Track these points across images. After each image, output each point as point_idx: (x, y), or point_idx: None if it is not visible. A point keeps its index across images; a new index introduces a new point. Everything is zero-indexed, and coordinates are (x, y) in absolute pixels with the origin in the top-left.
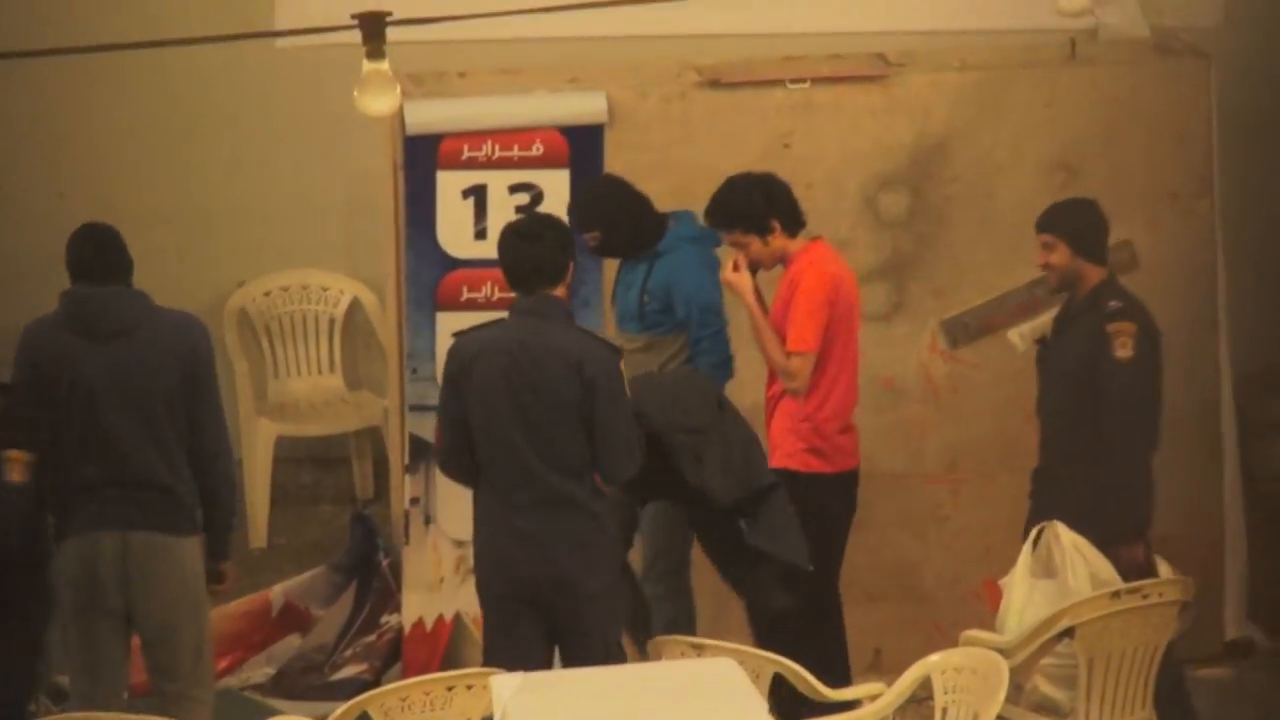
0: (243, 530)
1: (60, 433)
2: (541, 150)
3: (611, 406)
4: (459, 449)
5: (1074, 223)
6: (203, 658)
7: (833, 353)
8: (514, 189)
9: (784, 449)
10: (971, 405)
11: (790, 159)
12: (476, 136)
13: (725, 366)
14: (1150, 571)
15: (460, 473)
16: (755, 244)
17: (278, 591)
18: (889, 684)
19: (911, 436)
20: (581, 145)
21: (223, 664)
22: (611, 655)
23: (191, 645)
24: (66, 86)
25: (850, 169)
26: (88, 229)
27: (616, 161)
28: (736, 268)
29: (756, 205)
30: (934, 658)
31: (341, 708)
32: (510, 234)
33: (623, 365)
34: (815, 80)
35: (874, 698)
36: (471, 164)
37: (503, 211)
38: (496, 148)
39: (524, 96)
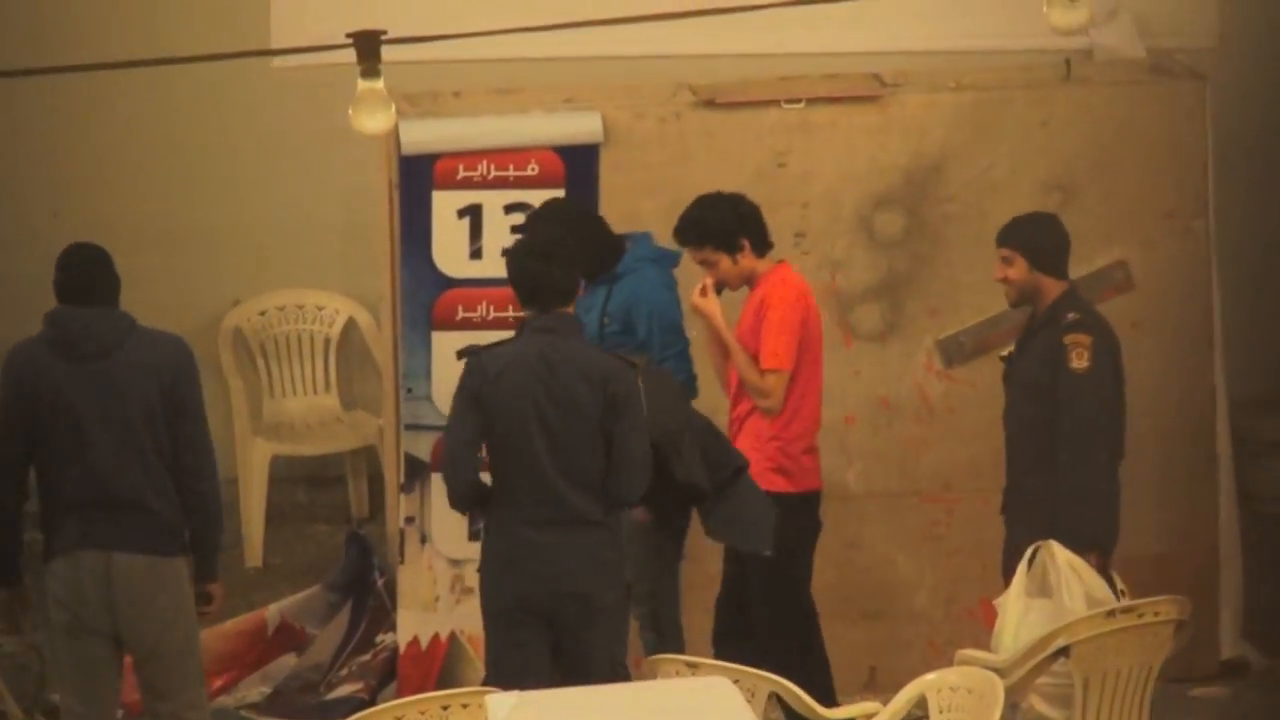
0: (238, 549)
1: (44, 454)
2: (537, 170)
3: (632, 423)
4: (470, 465)
5: (1031, 237)
6: (194, 678)
7: (800, 373)
8: (509, 209)
9: (752, 469)
10: (967, 424)
11: (786, 179)
12: (472, 156)
13: (689, 386)
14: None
15: (467, 488)
16: (724, 262)
17: (273, 610)
18: (884, 703)
19: (907, 455)
20: (577, 165)
21: (218, 683)
22: (616, 672)
23: (182, 665)
24: (62, 105)
25: (846, 189)
26: (75, 249)
27: (612, 181)
28: (704, 293)
29: (728, 223)
30: (929, 676)
31: None
32: (523, 253)
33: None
34: (811, 100)
35: (869, 716)
36: (467, 184)
37: (498, 231)
38: (492, 167)
39: (519, 116)
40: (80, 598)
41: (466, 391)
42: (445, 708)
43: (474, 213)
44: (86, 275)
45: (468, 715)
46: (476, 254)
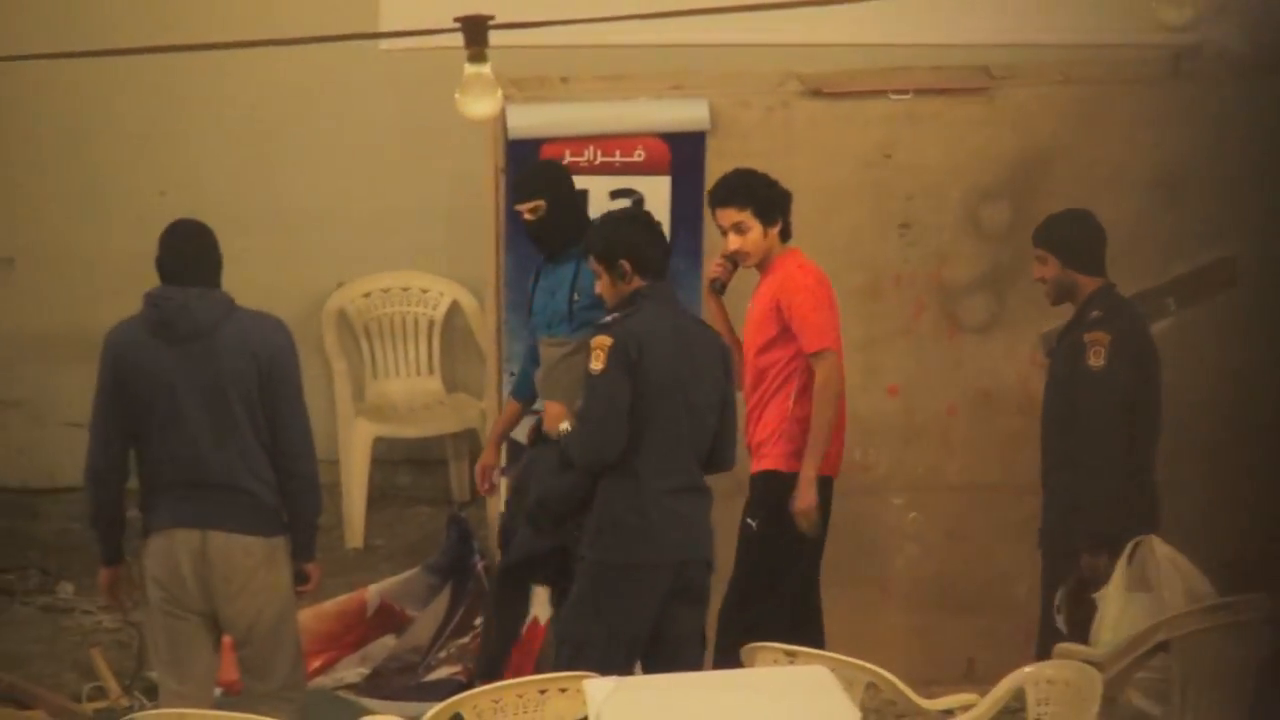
0: (339, 530)
1: (143, 434)
2: (643, 156)
3: (733, 393)
4: (623, 430)
5: (1063, 235)
6: (292, 659)
7: None
8: (615, 194)
9: (772, 452)
10: None
11: (891, 170)
12: (578, 141)
13: None
14: (1103, 584)
15: (616, 452)
16: (755, 231)
17: (373, 592)
18: (982, 694)
19: (1008, 448)
20: (683, 152)
21: (316, 663)
22: (704, 642)
23: (280, 646)
24: (171, 84)
25: (952, 181)
26: (177, 227)
27: (718, 169)
28: (715, 271)
29: (774, 195)
30: (1028, 669)
31: (435, 709)
32: (638, 221)
33: None
34: (918, 91)
35: (967, 708)
36: (573, 169)
37: None
38: (598, 153)
39: (627, 102)
40: (176, 577)
41: (622, 361)
42: (543, 691)
43: (580, 198)
44: (186, 254)
45: (565, 700)
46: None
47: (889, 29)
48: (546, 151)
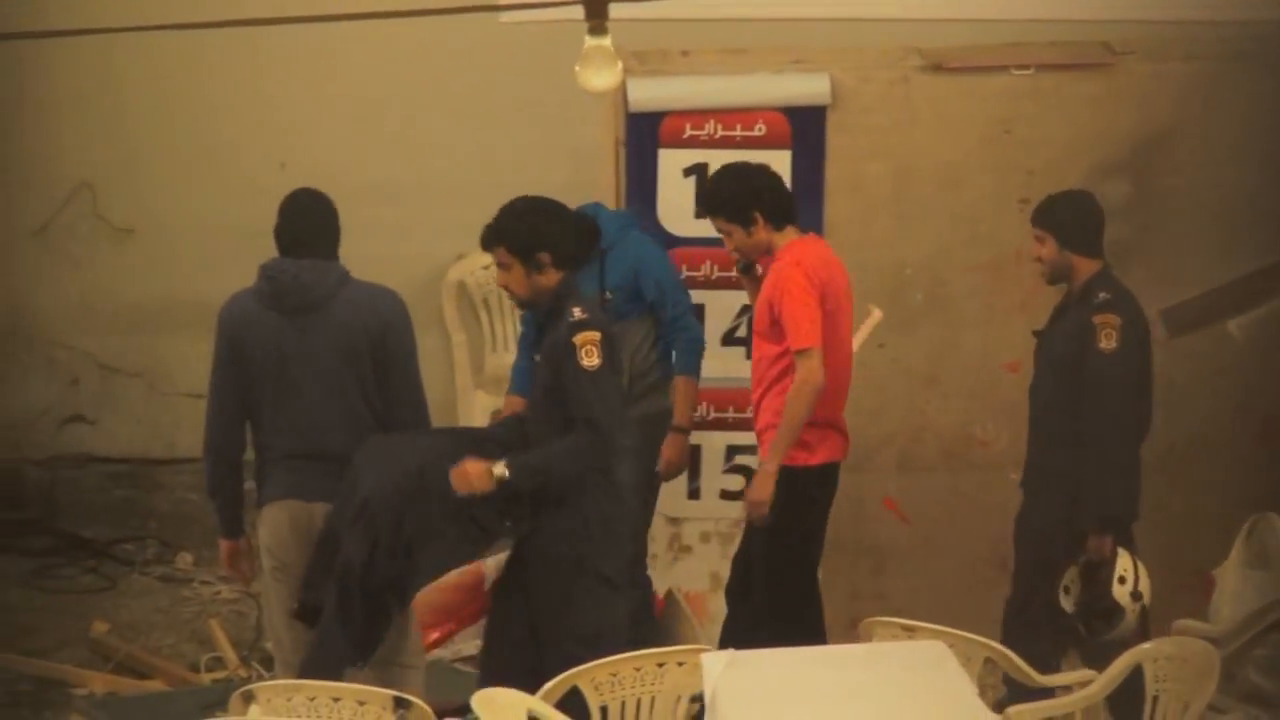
0: None
1: (256, 406)
2: (764, 130)
3: None
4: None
5: (1061, 217)
6: (407, 631)
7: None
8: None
9: (769, 441)
10: (1190, 395)
11: (1012, 145)
12: (699, 115)
13: (702, 339)
14: (1110, 564)
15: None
16: (738, 233)
17: (490, 565)
18: (1100, 670)
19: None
20: (803, 126)
21: (434, 636)
22: None
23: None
24: (292, 56)
25: (1072, 157)
26: (295, 197)
27: (837, 143)
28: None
29: (740, 195)
30: (1146, 646)
31: (552, 681)
32: (555, 211)
33: None
34: (1039, 67)
35: (1085, 684)
36: (693, 142)
37: None
38: (719, 127)
39: (747, 76)
40: (288, 547)
41: (610, 354)
42: (661, 665)
43: (700, 172)
44: (304, 225)
45: (683, 673)
46: (701, 213)
47: (1010, 4)
48: (667, 125)
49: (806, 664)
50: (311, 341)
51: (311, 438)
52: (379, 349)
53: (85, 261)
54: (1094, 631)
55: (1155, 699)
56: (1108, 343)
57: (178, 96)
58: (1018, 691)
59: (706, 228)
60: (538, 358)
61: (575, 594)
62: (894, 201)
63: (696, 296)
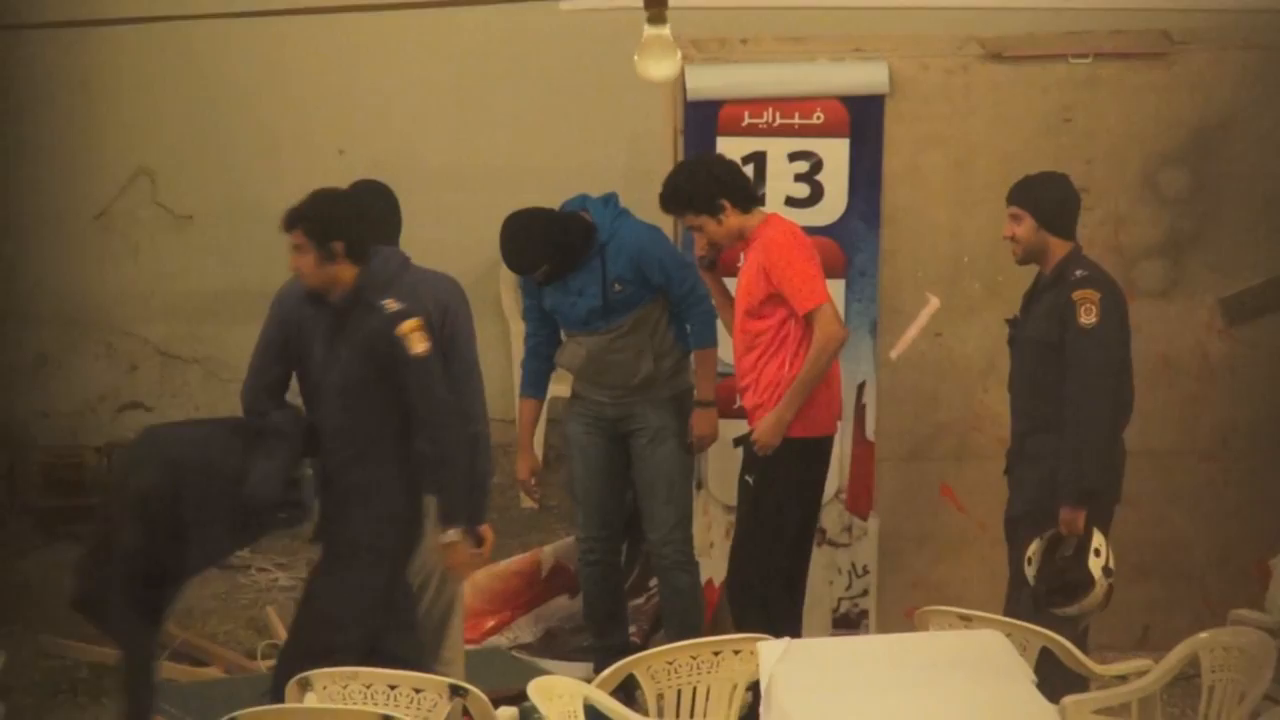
0: (514, 491)
1: (305, 391)
2: (822, 119)
3: None
4: None
5: (1041, 196)
6: (444, 624)
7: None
8: (793, 157)
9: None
10: (1246, 384)
11: (1071, 134)
12: (757, 103)
13: (714, 313)
14: (1086, 542)
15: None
16: (710, 225)
17: (548, 552)
18: (1156, 660)
19: (1185, 414)
20: (862, 115)
21: (491, 623)
22: None
23: (442, 602)
24: (347, 44)
25: (1131, 145)
26: (358, 187)
27: (896, 132)
28: (700, 264)
29: (703, 187)
30: (1202, 635)
31: (609, 669)
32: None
33: None
34: (1098, 56)
35: (1141, 674)
36: (752, 131)
37: (782, 179)
38: (777, 115)
39: (806, 64)
40: None
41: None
42: (717, 653)
43: (758, 160)
44: (376, 214)
45: (739, 661)
46: (760, 201)
47: None
48: (725, 113)
49: (863, 653)
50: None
51: None
52: (439, 335)
53: (144, 248)
54: (1051, 604)
55: (1211, 689)
56: (1088, 318)
57: (237, 83)
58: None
59: None
60: (344, 351)
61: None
62: (952, 191)
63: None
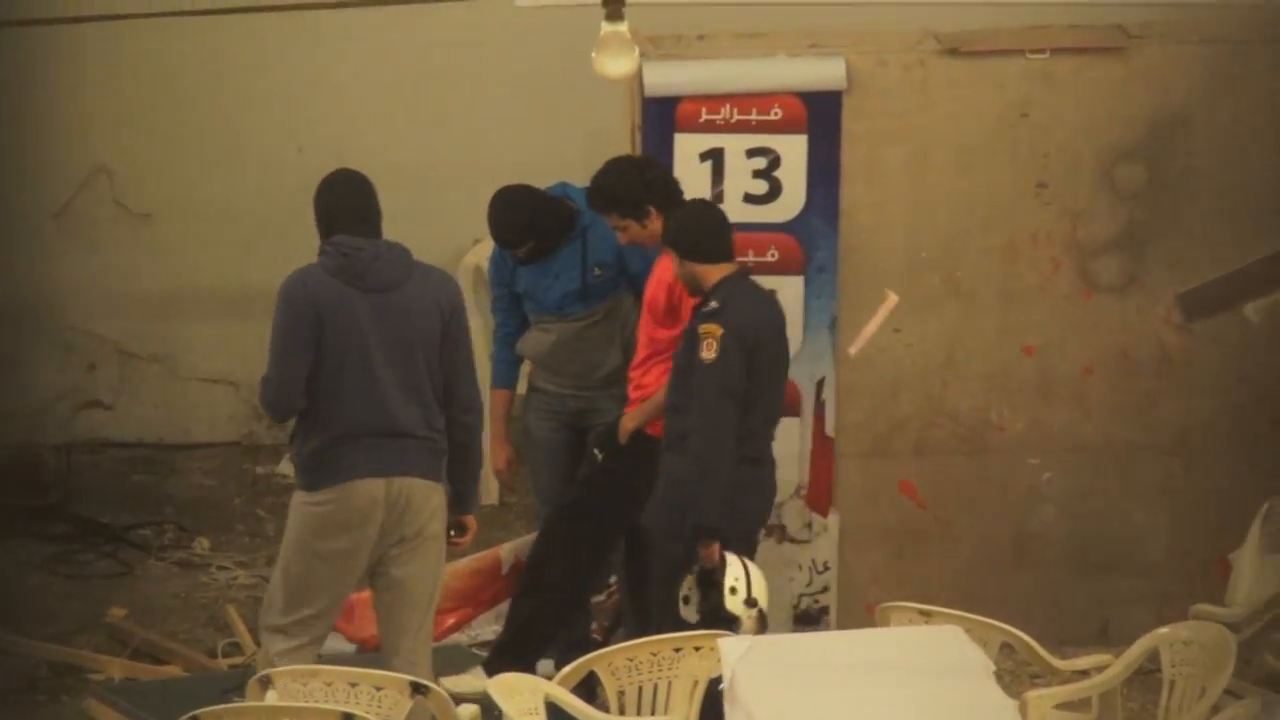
0: None
1: (330, 384)
2: (780, 115)
3: None
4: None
5: (676, 230)
6: (429, 613)
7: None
8: (751, 153)
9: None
10: (1206, 378)
11: (1028, 128)
12: (715, 100)
13: None
14: (720, 580)
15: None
16: (633, 227)
17: (508, 549)
18: (1117, 655)
19: (1144, 408)
20: (820, 111)
21: (450, 620)
22: None
23: (428, 597)
24: (305, 41)
25: (1087, 140)
26: (348, 176)
27: (854, 127)
28: None
29: (632, 190)
30: (1163, 630)
31: (569, 667)
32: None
33: None
34: (1055, 51)
35: (1102, 668)
36: (709, 127)
37: (740, 176)
38: (735, 111)
39: (763, 60)
40: (365, 524)
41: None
42: (678, 650)
43: (716, 156)
44: (359, 204)
45: (700, 658)
46: (718, 198)
47: None
48: (683, 109)
49: (825, 649)
50: (393, 321)
51: (389, 415)
52: (449, 328)
53: (103, 246)
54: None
55: (1172, 684)
56: (707, 353)
57: (195, 81)
58: None
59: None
60: None
61: None
62: (910, 186)
63: None
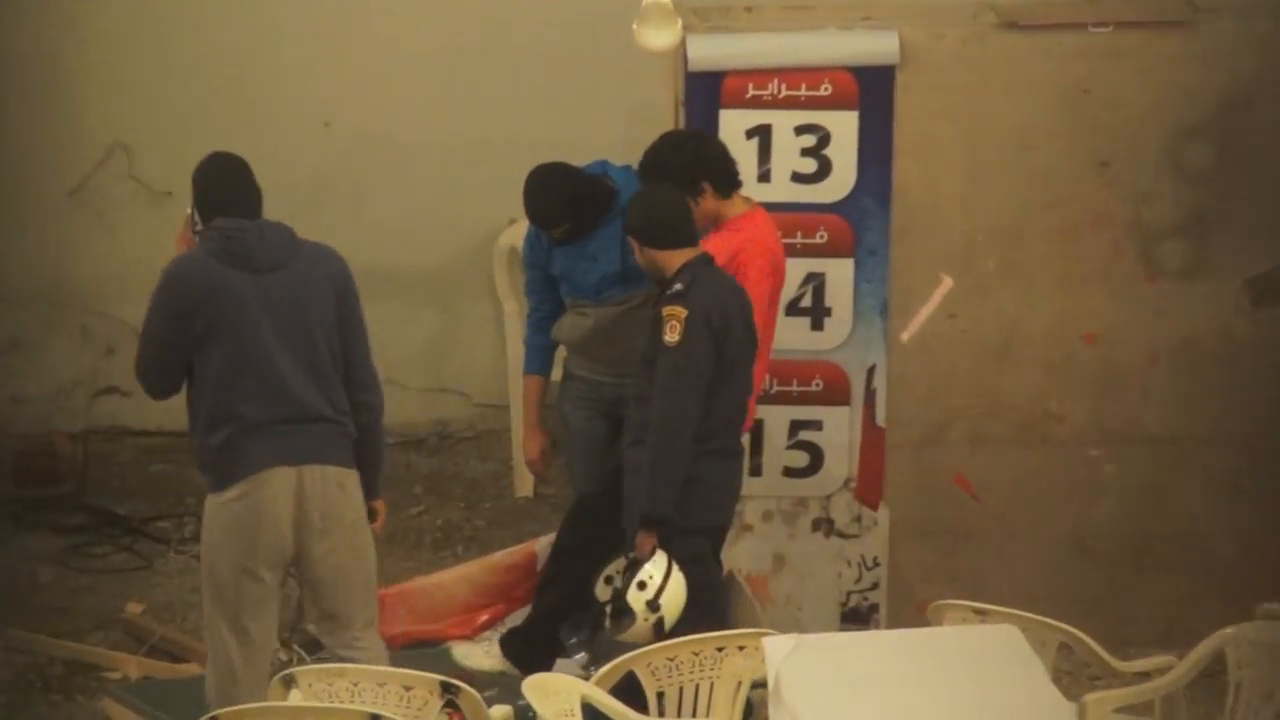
0: (509, 478)
1: (226, 369)
2: (830, 90)
3: None
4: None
5: (635, 218)
6: (371, 600)
7: None
8: (800, 130)
9: None
10: (1273, 369)
11: (1089, 105)
12: (762, 74)
13: None
14: (635, 569)
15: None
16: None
17: (542, 544)
18: (1180, 657)
19: (1209, 399)
20: (871, 86)
21: (484, 617)
22: None
23: (364, 585)
24: (335, 11)
25: (1152, 118)
26: (224, 159)
27: (907, 104)
28: None
29: (686, 165)
30: (1229, 630)
31: (607, 665)
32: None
33: None
34: (1119, 25)
35: (1164, 671)
36: (756, 103)
37: (788, 153)
38: (783, 86)
39: (813, 34)
40: (265, 523)
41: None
42: (720, 649)
43: (763, 133)
44: (238, 185)
45: (743, 657)
46: (765, 176)
47: None
48: (728, 85)
49: (874, 649)
50: (283, 301)
51: (293, 400)
52: (341, 304)
53: (121, 225)
54: (604, 623)
55: (1238, 686)
56: (670, 335)
57: (217, 54)
58: None
59: (770, 192)
60: None
61: None
62: (965, 165)
63: None
